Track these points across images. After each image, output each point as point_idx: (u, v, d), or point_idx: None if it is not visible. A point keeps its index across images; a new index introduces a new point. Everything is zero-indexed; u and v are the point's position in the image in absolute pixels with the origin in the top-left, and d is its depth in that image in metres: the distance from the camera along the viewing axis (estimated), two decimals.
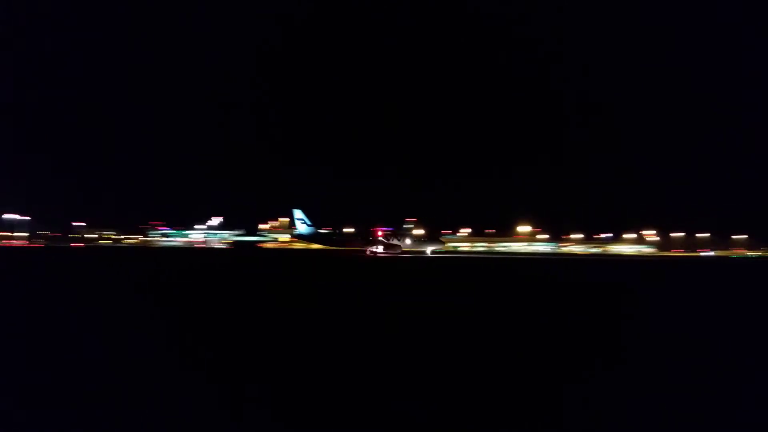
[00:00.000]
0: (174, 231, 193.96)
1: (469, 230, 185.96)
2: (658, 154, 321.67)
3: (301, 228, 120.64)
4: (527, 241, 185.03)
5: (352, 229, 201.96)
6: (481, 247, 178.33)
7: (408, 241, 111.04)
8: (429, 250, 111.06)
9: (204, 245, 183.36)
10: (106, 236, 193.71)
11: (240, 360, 10.49)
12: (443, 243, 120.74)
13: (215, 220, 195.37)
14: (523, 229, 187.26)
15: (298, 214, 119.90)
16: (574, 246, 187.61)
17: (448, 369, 9.95)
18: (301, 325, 14.39)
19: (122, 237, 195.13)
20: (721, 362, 11.03)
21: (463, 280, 34.40)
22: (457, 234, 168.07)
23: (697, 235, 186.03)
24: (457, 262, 65.93)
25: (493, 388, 8.84)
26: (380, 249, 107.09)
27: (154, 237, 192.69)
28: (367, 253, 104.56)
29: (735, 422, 7.68)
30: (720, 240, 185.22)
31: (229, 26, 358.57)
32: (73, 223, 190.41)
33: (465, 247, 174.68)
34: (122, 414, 7.34)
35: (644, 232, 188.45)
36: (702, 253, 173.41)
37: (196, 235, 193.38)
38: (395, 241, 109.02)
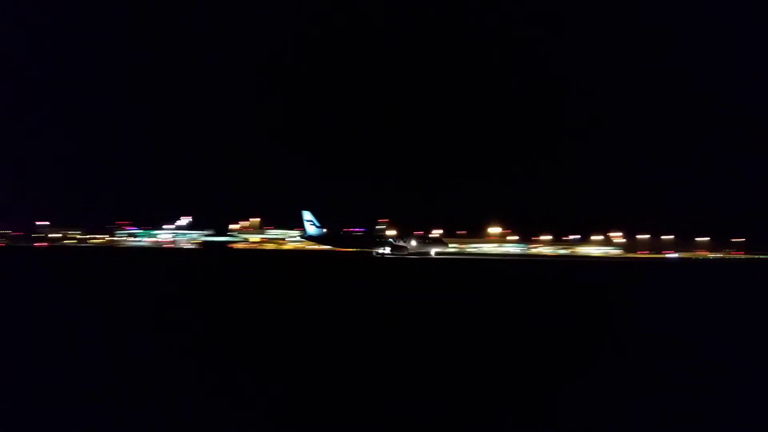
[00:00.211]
0: (141, 231, 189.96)
1: (441, 231, 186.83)
2: (655, 154, 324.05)
3: (311, 229, 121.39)
4: (498, 242, 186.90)
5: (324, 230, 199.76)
6: (451, 247, 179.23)
7: (414, 242, 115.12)
8: (433, 251, 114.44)
9: (172, 245, 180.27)
10: (71, 236, 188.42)
11: (240, 360, 10.40)
12: (447, 245, 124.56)
13: (184, 220, 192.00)
14: (494, 230, 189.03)
15: (307, 215, 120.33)
16: (543, 247, 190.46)
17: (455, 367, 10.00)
18: (321, 327, 14.32)
19: (88, 237, 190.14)
20: (681, 361, 11.32)
21: (473, 280, 35.33)
22: (429, 235, 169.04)
23: (662, 237, 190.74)
24: (460, 264, 66.95)
25: (491, 386, 8.91)
26: (388, 250, 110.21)
27: (120, 237, 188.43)
28: (374, 254, 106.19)
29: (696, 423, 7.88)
30: (683, 242, 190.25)
31: (229, 26, 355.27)
32: (37, 222, 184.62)
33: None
34: (121, 414, 7.18)
35: (611, 234, 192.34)
36: (667, 255, 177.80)
37: (165, 235, 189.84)
38: (402, 243, 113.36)
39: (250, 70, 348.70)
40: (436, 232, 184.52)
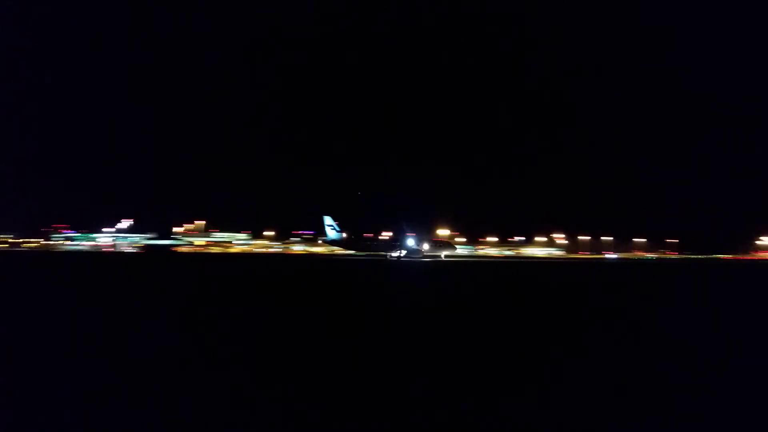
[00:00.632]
0: (79, 234, 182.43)
1: (390, 233, 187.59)
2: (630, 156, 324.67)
3: (331, 234, 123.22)
4: None
5: (272, 232, 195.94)
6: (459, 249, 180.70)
7: (426, 246, 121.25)
8: (443, 254, 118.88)
9: (112, 249, 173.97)
10: (2, 240, 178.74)
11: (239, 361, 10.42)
12: (455, 248, 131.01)
13: (125, 223, 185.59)
14: (443, 232, 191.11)
15: (327, 220, 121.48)
16: (490, 248, 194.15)
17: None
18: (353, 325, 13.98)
19: (21, 241, 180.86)
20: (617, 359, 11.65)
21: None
22: (380, 237, 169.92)
23: (602, 238, 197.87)
24: (466, 266, 68.15)
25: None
26: (404, 254, 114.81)
27: (57, 241, 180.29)
28: (388, 257, 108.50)
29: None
30: (622, 243, 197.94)
31: (229, 26, 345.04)
32: None
33: None
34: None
35: (554, 235, 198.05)
36: (606, 255, 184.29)
37: (104, 239, 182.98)
38: (416, 247, 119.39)
39: (250, 70, 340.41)
40: (386, 234, 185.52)
